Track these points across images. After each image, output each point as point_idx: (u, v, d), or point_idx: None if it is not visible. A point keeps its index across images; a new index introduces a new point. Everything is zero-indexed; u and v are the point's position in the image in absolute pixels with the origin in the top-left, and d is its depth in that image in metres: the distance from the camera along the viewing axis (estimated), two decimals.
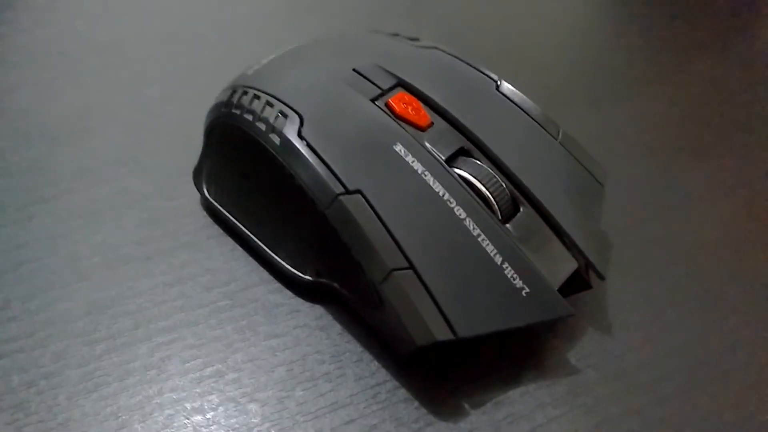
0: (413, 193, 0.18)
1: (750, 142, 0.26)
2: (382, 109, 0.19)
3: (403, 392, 0.18)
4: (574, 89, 0.29)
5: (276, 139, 0.19)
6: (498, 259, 0.18)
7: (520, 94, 0.21)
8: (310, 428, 0.17)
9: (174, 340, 0.19)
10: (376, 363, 0.19)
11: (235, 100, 0.20)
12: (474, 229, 0.18)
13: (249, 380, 0.18)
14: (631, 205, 0.23)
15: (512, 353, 0.19)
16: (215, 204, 0.22)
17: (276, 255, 0.20)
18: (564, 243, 0.19)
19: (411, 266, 0.17)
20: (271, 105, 0.19)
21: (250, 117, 0.19)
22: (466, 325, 0.17)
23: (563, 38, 0.32)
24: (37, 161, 0.23)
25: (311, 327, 0.19)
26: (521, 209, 0.19)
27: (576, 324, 0.20)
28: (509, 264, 0.18)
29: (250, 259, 0.21)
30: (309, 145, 0.18)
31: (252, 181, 0.20)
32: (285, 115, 0.19)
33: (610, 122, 0.27)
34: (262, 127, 0.19)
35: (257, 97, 0.20)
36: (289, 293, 0.20)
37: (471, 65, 0.21)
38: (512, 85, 0.21)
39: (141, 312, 0.19)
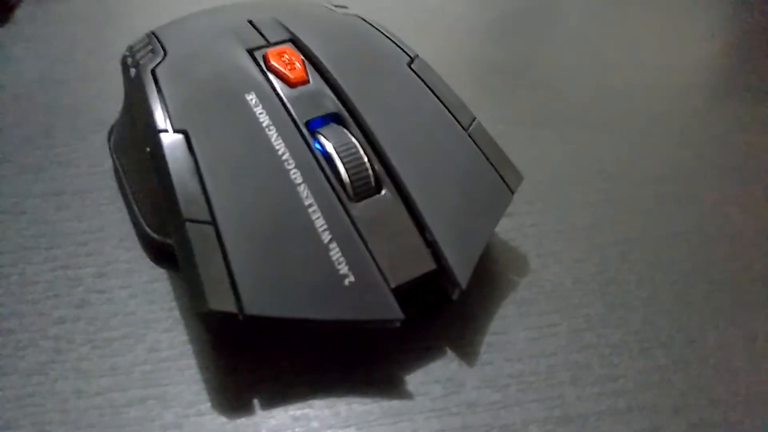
0: (247, 146, 0.16)
1: None
2: (254, 59, 0.17)
3: (193, 372, 0.15)
4: None
5: (132, 72, 0.17)
6: (326, 237, 0.15)
7: (437, 75, 0.18)
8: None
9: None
10: (183, 336, 0.16)
11: (135, 42, 0.19)
12: (307, 197, 0.15)
13: None
14: None
15: (341, 357, 0.16)
16: (111, 153, 0.20)
17: (136, 206, 0.18)
18: (425, 240, 0.16)
19: (212, 222, 0.15)
20: (147, 44, 0.18)
21: (128, 53, 0.18)
22: (260, 303, 0.14)
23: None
24: None
25: (135, 288, 0.17)
26: (383, 191, 0.16)
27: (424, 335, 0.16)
28: (338, 245, 0.15)
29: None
30: (156, 80, 0.16)
31: (125, 121, 0.19)
32: (152, 52, 0.17)
33: None
34: (129, 61, 0.18)
35: (147, 37, 0.18)
36: (136, 252, 0.18)
37: (389, 37, 0.19)
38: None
39: None
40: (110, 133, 0.21)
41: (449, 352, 0.16)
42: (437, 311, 0.17)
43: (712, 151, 0.22)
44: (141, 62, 0.17)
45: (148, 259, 0.18)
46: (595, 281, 0.18)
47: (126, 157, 0.19)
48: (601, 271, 0.18)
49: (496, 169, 0.17)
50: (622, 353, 0.16)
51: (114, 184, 0.20)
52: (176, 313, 0.17)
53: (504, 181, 0.17)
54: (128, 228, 0.19)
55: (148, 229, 0.18)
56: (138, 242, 0.18)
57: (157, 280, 0.17)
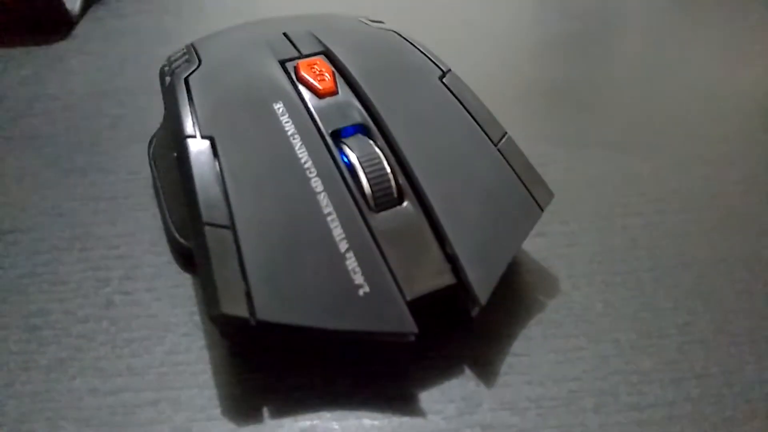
0: (270, 154, 0.16)
1: None
2: (285, 70, 0.17)
3: (207, 377, 0.15)
4: None
5: (167, 81, 0.18)
6: (343, 246, 0.15)
7: (469, 89, 0.18)
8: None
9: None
10: (201, 342, 0.16)
11: (174, 53, 0.19)
12: (326, 206, 0.15)
13: None
14: None
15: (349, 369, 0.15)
16: (150, 161, 0.21)
17: (167, 211, 0.19)
18: (445, 253, 0.15)
19: (231, 226, 0.15)
20: (185, 54, 0.18)
21: (165, 63, 0.19)
22: (272, 309, 0.14)
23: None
24: None
25: (160, 292, 0.17)
26: (405, 203, 0.16)
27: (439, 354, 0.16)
28: (354, 254, 0.15)
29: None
30: (188, 88, 0.17)
31: (164, 130, 0.19)
32: (188, 61, 0.18)
33: None
34: (166, 70, 0.18)
35: (186, 48, 0.19)
36: (165, 257, 0.18)
37: (422, 51, 0.19)
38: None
39: None
40: (150, 142, 0.21)
41: (467, 371, 0.15)
42: (456, 328, 0.16)
43: (760, 178, 0.21)
44: (176, 71, 0.18)
45: (175, 264, 0.18)
46: (627, 306, 0.17)
47: (161, 164, 0.20)
48: (634, 296, 0.17)
49: (525, 186, 0.17)
50: (652, 382, 0.15)
51: (150, 191, 0.21)
52: (197, 318, 0.17)
53: (533, 198, 0.17)
54: (160, 233, 0.19)
55: (176, 234, 0.18)
56: (167, 247, 0.19)
57: (182, 285, 0.18)
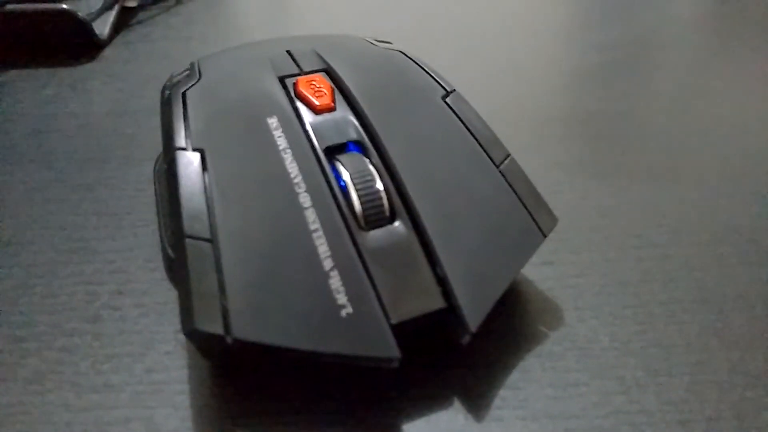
0: (259, 168, 0.15)
1: None
2: (284, 85, 0.17)
3: (183, 398, 0.15)
4: None
5: (166, 93, 0.17)
6: (327, 264, 0.14)
7: (472, 109, 0.17)
8: None
9: None
10: (182, 361, 0.16)
11: (177, 71, 0.19)
12: (313, 222, 0.14)
13: None
14: None
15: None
16: (154, 178, 0.21)
17: (163, 226, 0.18)
18: (436, 276, 0.14)
19: (212, 240, 0.14)
20: (187, 69, 0.18)
21: (167, 81, 0.19)
22: (248, 328, 0.13)
23: None
24: None
25: (148, 308, 0.17)
26: (397, 222, 0.15)
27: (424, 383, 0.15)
28: (339, 273, 0.14)
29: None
30: (184, 102, 0.17)
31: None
32: (188, 76, 0.18)
33: None
34: (167, 83, 0.18)
35: (190, 65, 0.19)
36: (159, 274, 0.18)
37: (426, 71, 0.18)
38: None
39: None
40: (157, 160, 0.21)
41: (456, 403, 0.14)
42: (447, 356, 0.15)
43: None
44: (176, 86, 0.17)
45: (167, 281, 0.18)
46: (636, 341, 0.16)
47: (162, 180, 0.19)
48: (644, 331, 0.16)
49: (527, 209, 0.16)
50: (657, 423, 0.14)
51: (154, 208, 0.20)
52: (181, 336, 0.16)
53: (535, 222, 0.16)
54: (156, 249, 0.19)
55: (169, 249, 0.17)
56: (162, 264, 0.18)
57: (171, 302, 0.17)
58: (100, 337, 0.16)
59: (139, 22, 0.34)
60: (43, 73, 0.29)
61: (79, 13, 0.30)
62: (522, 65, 0.29)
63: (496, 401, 0.15)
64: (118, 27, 0.33)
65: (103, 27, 0.32)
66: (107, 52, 0.31)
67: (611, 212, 0.20)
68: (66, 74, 0.29)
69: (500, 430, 0.14)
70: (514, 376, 0.15)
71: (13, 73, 0.29)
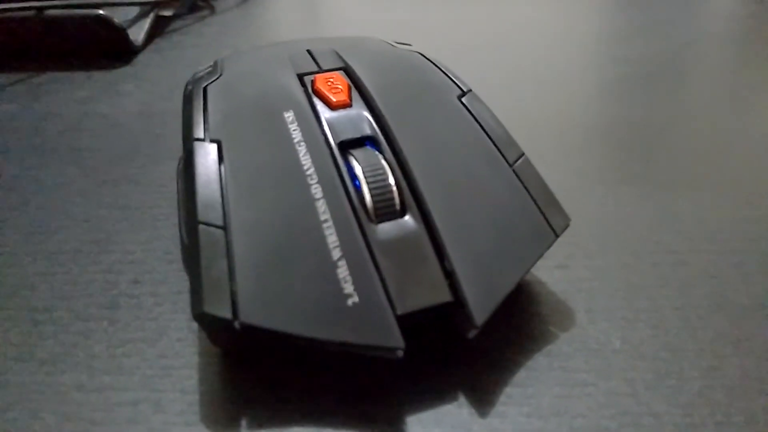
0: (274, 159, 0.16)
1: None
2: (302, 82, 0.17)
3: (192, 383, 0.15)
4: None
5: (189, 88, 0.18)
6: (336, 254, 0.14)
7: (488, 109, 0.18)
8: None
9: None
10: (193, 348, 0.16)
11: (200, 68, 0.20)
12: (323, 213, 0.15)
13: None
14: None
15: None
16: (177, 174, 0.21)
17: (181, 218, 0.19)
18: (444, 270, 0.15)
19: (225, 227, 0.14)
20: (210, 66, 0.19)
21: (190, 78, 0.19)
22: (256, 313, 0.13)
23: None
24: None
25: (163, 297, 0.17)
26: (407, 216, 0.15)
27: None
28: (347, 263, 0.14)
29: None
30: (204, 95, 0.17)
31: None
32: (210, 73, 0.18)
33: None
34: (191, 79, 0.19)
35: (213, 63, 0.19)
36: (176, 265, 0.18)
37: (443, 71, 0.19)
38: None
39: None
40: (180, 158, 0.22)
41: (461, 397, 0.14)
42: (455, 351, 0.15)
43: None
44: (197, 82, 0.18)
45: (184, 272, 0.18)
46: (647, 344, 0.16)
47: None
48: (656, 335, 0.16)
49: (539, 208, 0.16)
50: (665, 426, 0.14)
51: (176, 203, 0.21)
52: (194, 325, 0.16)
53: (547, 221, 0.16)
54: (175, 242, 0.19)
55: (184, 235, 0.18)
56: (179, 255, 0.19)
57: (187, 292, 0.17)
58: (115, 323, 0.17)
59: (174, 30, 0.35)
60: (78, 75, 0.30)
61: (116, 20, 0.31)
62: (546, 75, 0.29)
63: (502, 398, 0.14)
64: (153, 34, 0.34)
65: (138, 34, 0.33)
66: (141, 57, 0.32)
67: (629, 219, 0.20)
68: (100, 77, 0.30)
69: (504, 426, 0.14)
70: (522, 374, 0.15)
71: (50, 75, 0.30)
